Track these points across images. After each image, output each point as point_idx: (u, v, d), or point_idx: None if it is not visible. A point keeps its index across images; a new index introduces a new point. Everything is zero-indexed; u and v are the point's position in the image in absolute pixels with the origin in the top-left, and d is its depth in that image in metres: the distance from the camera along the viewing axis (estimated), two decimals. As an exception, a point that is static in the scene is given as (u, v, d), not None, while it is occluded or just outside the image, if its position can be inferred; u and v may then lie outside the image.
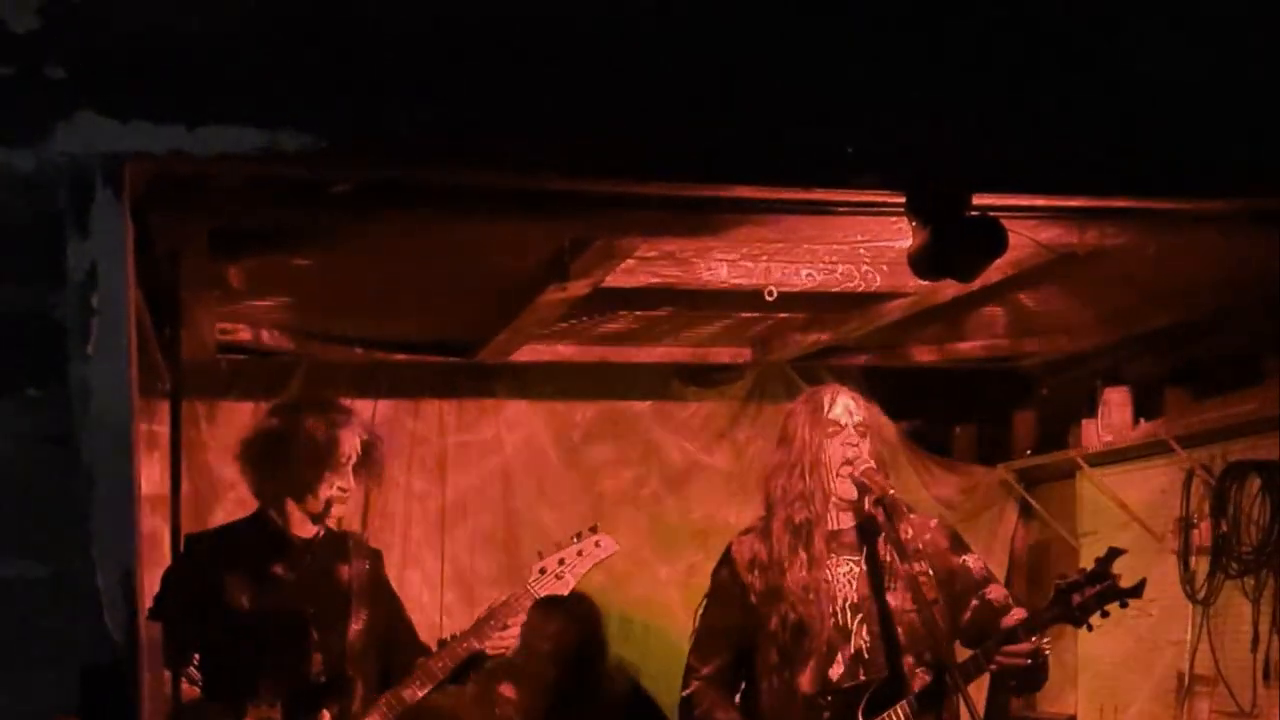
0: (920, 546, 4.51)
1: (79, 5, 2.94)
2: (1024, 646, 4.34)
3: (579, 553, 5.03)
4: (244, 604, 4.81)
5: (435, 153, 3.15)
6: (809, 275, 5.30)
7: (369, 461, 4.93)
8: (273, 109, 3.01)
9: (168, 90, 2.98)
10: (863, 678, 4.51)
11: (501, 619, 4.88)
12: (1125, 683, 6.51)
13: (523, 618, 4.92)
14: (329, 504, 4.85)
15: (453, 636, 4.91)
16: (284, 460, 4.85)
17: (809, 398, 4.70)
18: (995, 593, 4.61)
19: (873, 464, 4.57)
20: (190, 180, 3.32)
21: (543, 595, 4.97)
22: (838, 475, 4.56)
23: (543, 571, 4.97)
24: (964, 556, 4.66)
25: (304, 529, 4.89)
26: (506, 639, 4.90)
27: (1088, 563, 4.45)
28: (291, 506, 4.87)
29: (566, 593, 5.06)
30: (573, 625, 5.89)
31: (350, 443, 4.85)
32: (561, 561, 4.99)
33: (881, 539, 4.56)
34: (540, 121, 3.15)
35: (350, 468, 4.85)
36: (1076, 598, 4.34)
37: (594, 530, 5.10)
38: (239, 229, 4.32)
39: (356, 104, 3.07)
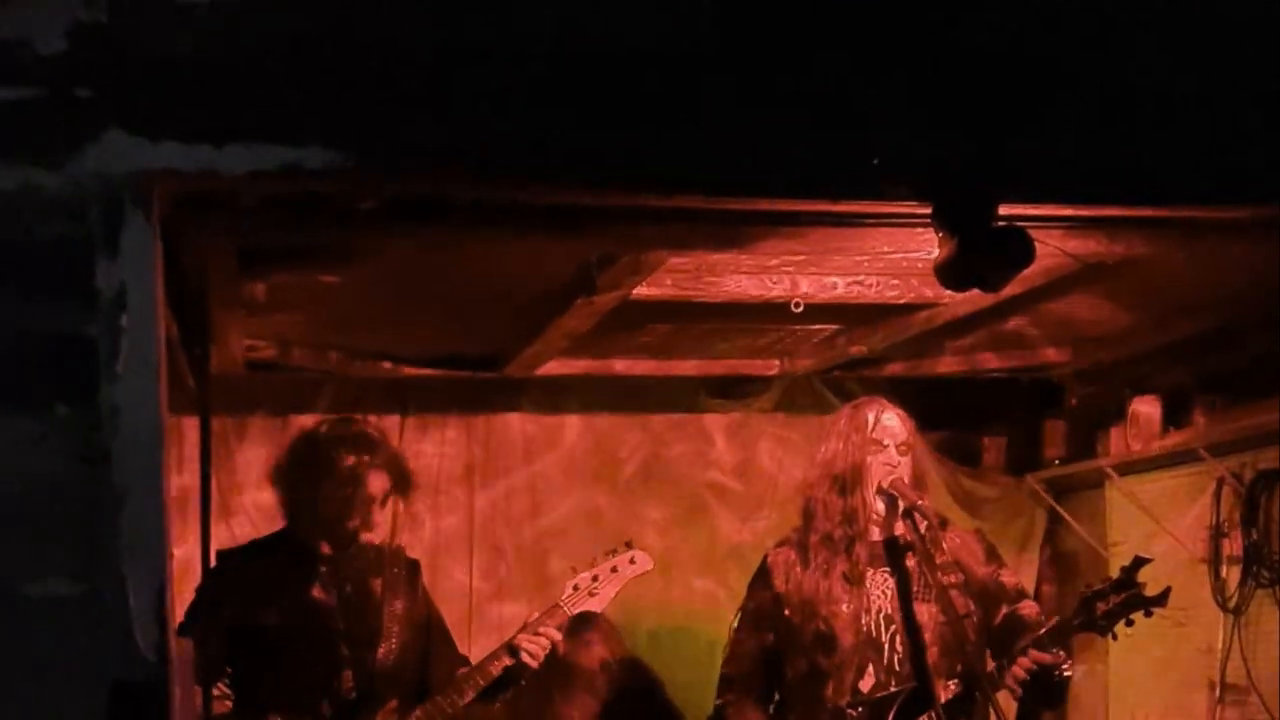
0: (954, 558, 4.50)
1: (107, 26, 2.96)
2: (1042, 656, 4.33)
3: (613, 569, 5.01)
4: (275, 619, 4.82)
5: (461, 169, 3.16)
6: (836, 287, 5.29)
7: (398, 495, 4.92)
8: (300, 127, 3.02)
9: (196, 109, 2.99)
10: (894, 689, 4.50)
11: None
12: (1157, 692, 6.49)
13: (555, 632, 4.90)
14: (355, 533, 4.86)
15: (495, 651, 4.91)
16: (311, 494, 4.85)
17: (853, 413, 4.67)
18: (1028, 609, 4.61)
19: (902, 475, 4.57)
20: (218, 198, 3.33)
21: (576, 612, 4.95)
22: (876, 493, 4.56)
23: (576, 588, 4.95)
24: (998, 570, 4.66)
25: (335, 547, 4.90)
26: (540, 643, 4.87)
27: (1117, 573, 4.44)
28: (320, 531, 4.89)
29: (600, 609, 5.04)
30: (594, 639, 5.89)
31: (378, 484, 4.83)
32: (595, 578, 4.97)
33: (912, 551, 4.56)
34: (566, 137, 3.16)
35: (377, 504, 4.85)
36: (1101, 606, 4.34)
37: (629, 546, 5.08)
38: (267, 246, 4.34)
39: (382, 121, 3.08)
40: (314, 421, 5.67)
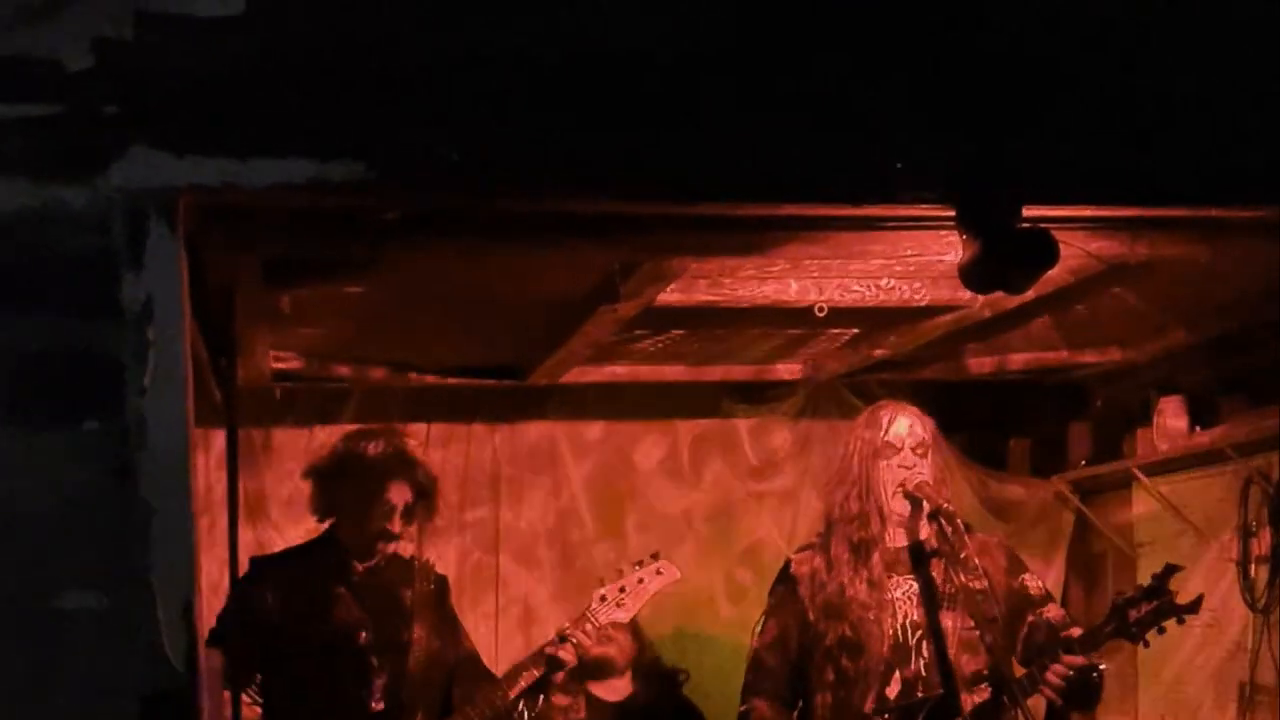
0: (978, 564, 4.49)
1: (131, 42, 2.97)
2: (1076, 660, 4.32)
3: (640, 580, 5.03)
4: (306, 629, 4.84)
5: (483, 179, 3.17)
6: (859, 291, 5.29)
7: (419, 510, 4.95)
8: (323, 140, 3.04)
9: (219, 124, 3.01)
10: (920, 696, 4.49)
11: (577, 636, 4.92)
12: (1186, 693, 6.46)
13: (584, 638, 4.92)
14: (375, 540, 4.89)
15: (521, 663, 4.93)
16: (336, 493, 4.90)
17: (869, 416, 4.69)
18: (1054, 612, 4.60)
19: (926, 478, 4.56)
20: (243, 212, 3.35)
21: (603, 622, 4.98)
22: (892, 496, 4.56)
23: (604, 599, 4.98)
24: (1022, 576, 4.65)
25: (360, 553, 4.92)
26: (569, 652, 4.91)
27: (1145, 573, 4.44)
28: (345, 533, 4.92)
29: (627, 620, 5.08)
30: (620, 640, 5.89)
31: (399, 494, 4.87)
32: (623, 589, 5.00)
33: (940, 555, 4.55)
34: (587, 146, 3.16)
35: (398, 516, 4.88)
36: (1133, 614, 4.33)
37: (655, 557, 5.10)
38: (291, 258, 4.35)
39: (404, 133, 3.09)
40: (349, 428, 5.71)
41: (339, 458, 4.97)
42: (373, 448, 4.93)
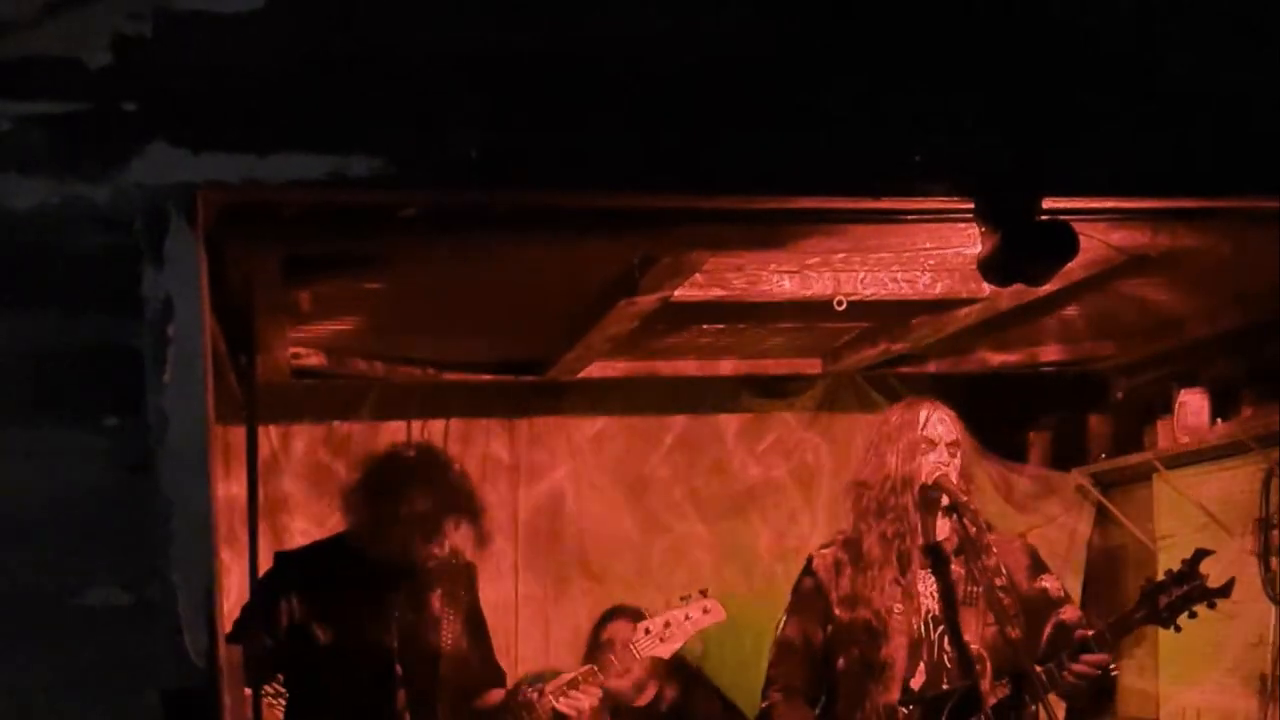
0: (1000, 562, 4.49)
1: (151, 39, 2.98)
2: (1095, 658, 4.32)
3: (685, 617, 5.09)
4: (330, 629, 4.82)
5: (501, 175, 3.16)
6: (878, 284, 5.28)
7: (459, 536, 4.94)
8: (341, 135, 3.03)
9: (238, 120, 3.01)
10: (945, 688, 4.49)
11: (612, 670, 4.96)
12: (1206, 686, 6.44)
13: (637, 672, 4.98)
14: (407, 558, 4.87)
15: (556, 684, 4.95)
16: (373, 516, 4.87)
17: (905, 411, 4.69)
18: (1069, 613, 4.60)
19: (947, 472, 4.56)
20: (262, 208, 3.35)
21: (644, 656, 5.03)
22: (919, 491, 4.56)
23: (648, 632, 5.03)
24: (1042, 577, 4.66)
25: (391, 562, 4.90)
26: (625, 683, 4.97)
27: (1166, 566, 4.43)
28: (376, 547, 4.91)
29: (668, 656, 5.13)
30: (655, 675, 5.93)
31: (438, 535, 4.85)
32: (667, 624, 5.05)
33: (960, 551, 4.55)
34: (605, 140, 3.16)
35: (435, 544, 4.86)
36: (1163, 599, 4.33)
37: (704, 594, 5.15)
38: (311, 254, 4.35)
39: (423, 128, 3.08)
40: (370, 425, 5.70)
41: (381, 485, 4.92)
42: (417, 481, 4.87)
